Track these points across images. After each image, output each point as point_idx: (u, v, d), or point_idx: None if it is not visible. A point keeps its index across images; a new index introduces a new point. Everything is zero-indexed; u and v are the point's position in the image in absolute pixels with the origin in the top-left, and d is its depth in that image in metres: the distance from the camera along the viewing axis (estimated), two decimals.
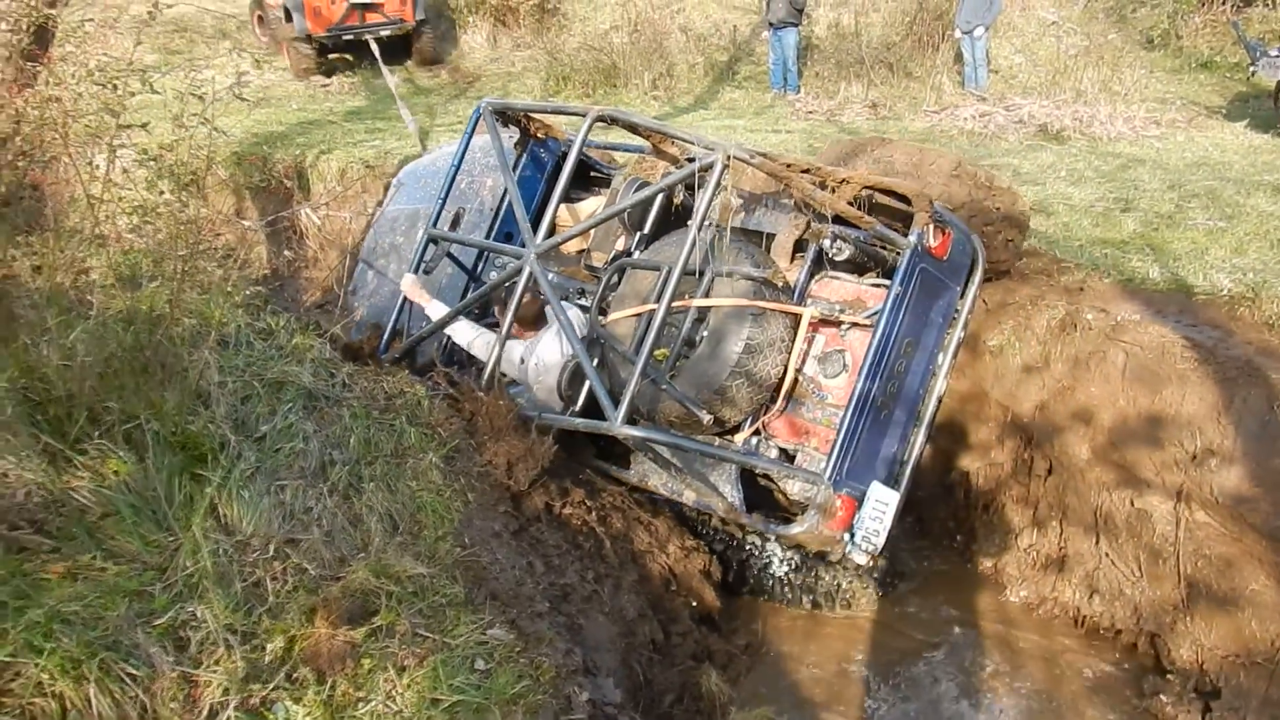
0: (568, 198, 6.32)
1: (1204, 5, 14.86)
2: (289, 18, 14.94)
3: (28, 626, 2.94)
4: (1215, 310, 5.63)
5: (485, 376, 5.26)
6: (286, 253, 9.12)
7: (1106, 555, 5.33)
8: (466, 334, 5.70)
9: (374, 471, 4.35)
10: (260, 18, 16.13)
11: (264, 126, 12.04)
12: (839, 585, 5.83)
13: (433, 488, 4.42)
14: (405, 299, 5.91)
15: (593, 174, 6.90)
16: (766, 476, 5.25)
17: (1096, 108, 12.58)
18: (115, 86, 4.27)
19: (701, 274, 5.07)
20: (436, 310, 5.74)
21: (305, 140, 11.42)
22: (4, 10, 5.27)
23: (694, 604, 5.23)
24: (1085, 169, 9.37)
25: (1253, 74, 12.13)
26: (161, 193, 4.84)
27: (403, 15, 15.33)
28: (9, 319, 4.01)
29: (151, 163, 4.74)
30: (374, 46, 14.75)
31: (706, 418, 4.90)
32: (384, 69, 14.54)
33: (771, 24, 14.33)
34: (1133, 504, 5.17)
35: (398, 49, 15.87)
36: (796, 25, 14.19)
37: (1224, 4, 14.75)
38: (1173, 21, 14.73)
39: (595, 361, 5.17)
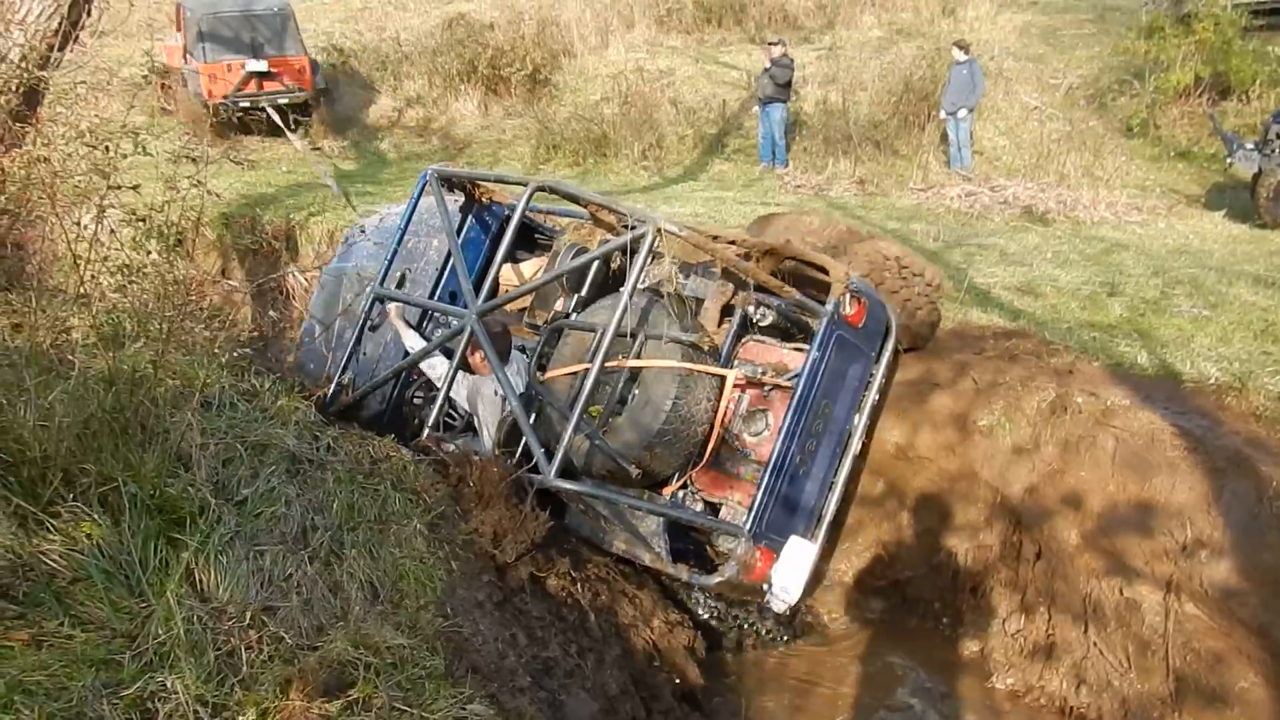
0: (513, 258, 6.90)
1: (1181, 97, 15.23)
2: (186, 84, 15.21)
3: None
4: (1203, 399, 5.64)
5: (436, 407, 5.68)
6: (272, 313, 9.06)
7: (1095, 645, 5.24)
8: (439, 369, 6.04)
9: (356, 538, 4.25)
10: (164, 85, 16.32)
11: (254, 188, 12.07)
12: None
13: (416, 555, 4.32)
14: (350, 354, 6.23)
15: (536, 236, 7.33)
16: (694, 528, 5.49)
17: (1079, 192, 12.81)
18: (107, 148, 4.25)
19: (633, 336, 5.36)
20: (411, 339, 6.21)
21: (294, 202, 11.44)
22: None
23: (677, 680, 5.11)
24: (1070, 252, 9.47)
25: (1230, 165, 12.38)
26: (149, 253, 4.80)
27: (301, 84, 15.64)
28: None
29: (140, 223, 4.71)
30: (273, 114, 14.90)
31: (635, 472, 5.15)
32: (292, 136, 14.70)
33: (760, 99, 14.60)
34: (1122, 593, 5.11)
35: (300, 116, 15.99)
36: (783, 101, 14.42)
37: (1200, 96, 15.13)
38: (1151, 111, 15.07)
39: (533, 416, 5.47)
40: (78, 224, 4.10)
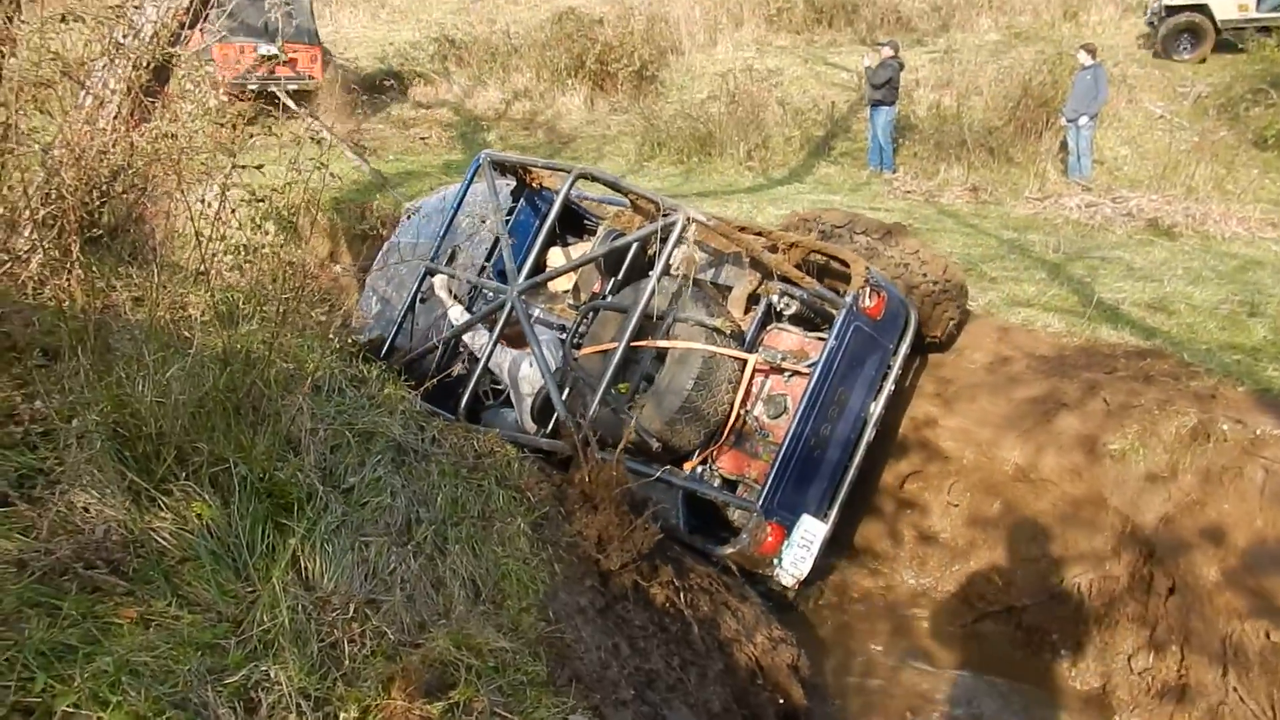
0: (564, 242, 7.43)
1: None
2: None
3: (95, 675, 2.76)
4: None
5: (475, 377, 5.91)
6: None
7: (1234, 690, 4.85)
8: (480, 341, 6.34)
9: (459, 533, 4.15)
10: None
11: (363, 174, 12.19)
12: None
13: (519, 555, 4.20)
14: (403, 319, 6.62)
15: (585, 222, 7.66)
16: (713, 502, 5.68)
17: (1209, 205, 12.13)
18: (234, 125, 4.23)
19: (662, 318, 5.67)
20: (456, 312, 6.50)
21: (404, 190, 11.52)
22: (127, 48, 5.32)
23: (780, 700, 4.88)
24: (1202, 268, 8.95)
25: None
26: (266, 233, 4.78)
27: (311, 73, 16.06)
28: (105, 351, 3.92)
29: (259, 203, 4.69)
30: (285, 99, 15.00)
31: (655, 445, 5.46)
32: (314, 120, 14.71)
33: (868, 102, 14.28)
34: (1268, 636, 4.71)
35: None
36: (889, 104, 14.05)
37: None
38: None
39: (567, 391, 5.68)
40: (201, 200, 4.07)
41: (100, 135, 4.56)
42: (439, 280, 6.63)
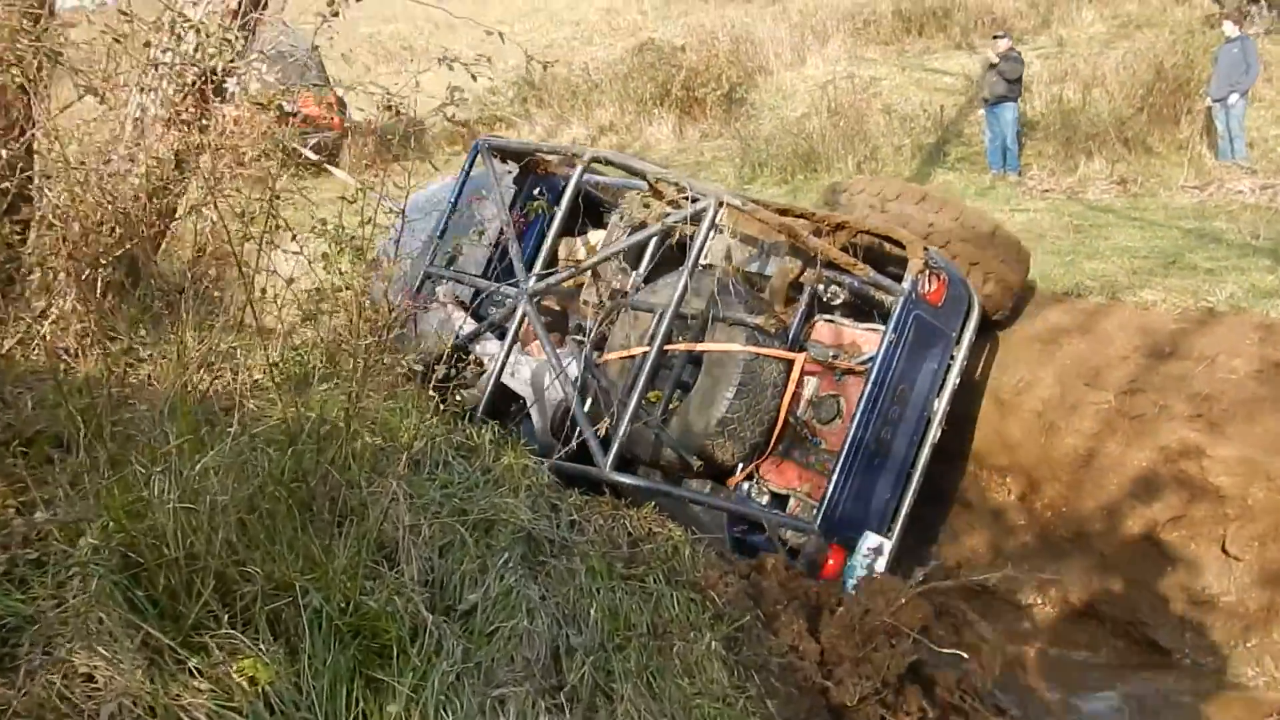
0: (581, 231, 6.67)
1: None
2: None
3: None
4: None
5: (485, 395, 5.22)
6: None
7: None
8: (490, 350, 5.63)
9: (627, 663, 2.88)
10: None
11: None
12: None
13: (714, 691, 2.91)
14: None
15: (601, 210, 6.86)
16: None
17: None
18: (280, 108, 3.14)
19: (695, 317, 5.15)
20: (461, 319, 5.82)
21: None
22: (167, 64, 4.35)
23: None
24: None
25: None
26: (340, 271, 3.63)
27: (332, 125, 15.56)
28: (127, 440, 2.78)
29: (328, 229, 3.56)
30: (307, 153, 14.22)
31: (697, 463, 4.98)
32: (335, 171, 13.97)
33: (987, 100, 12.99)
34: None
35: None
36: (1013, 100, 12.76)
37: None
38: None
39: (589, 402, 5.18)
40: (243, 214, 2.93)
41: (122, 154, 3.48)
42: (445, 292, 5.98)
